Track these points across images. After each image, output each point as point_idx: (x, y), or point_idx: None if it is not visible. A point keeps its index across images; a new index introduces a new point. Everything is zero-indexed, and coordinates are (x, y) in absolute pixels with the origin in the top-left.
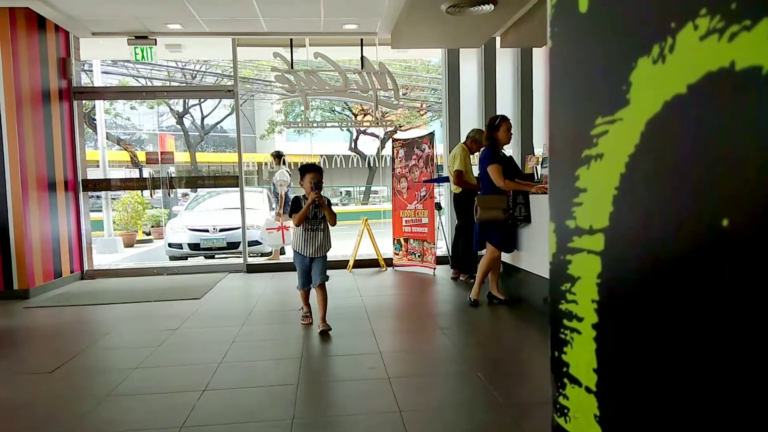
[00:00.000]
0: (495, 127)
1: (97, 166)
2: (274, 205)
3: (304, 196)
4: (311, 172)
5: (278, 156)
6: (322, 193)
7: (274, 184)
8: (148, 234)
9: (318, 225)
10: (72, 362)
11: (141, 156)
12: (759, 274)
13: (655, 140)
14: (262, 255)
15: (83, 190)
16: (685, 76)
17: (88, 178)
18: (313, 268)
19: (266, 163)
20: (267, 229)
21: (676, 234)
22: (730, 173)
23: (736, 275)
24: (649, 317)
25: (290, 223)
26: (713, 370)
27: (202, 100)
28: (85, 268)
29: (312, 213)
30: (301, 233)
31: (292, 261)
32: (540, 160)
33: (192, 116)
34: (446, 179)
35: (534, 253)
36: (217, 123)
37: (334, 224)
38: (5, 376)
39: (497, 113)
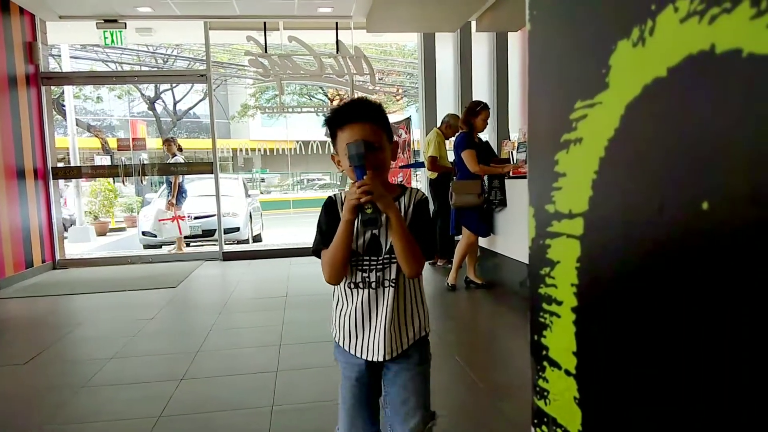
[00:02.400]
0: (475, 113)
1: (100, 153)
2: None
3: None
4: (349, 124)
5: (169, 141)
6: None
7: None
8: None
9: (379, 271)
10: (45, 353)
11: (112, 143)
12: (738, 256)
13: (635, 124)
14: (226, 240)
15: (53, 178)
16: (665, 60)
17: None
18: (390, 394)
19: (241, 149)
20: (160, 220)
21: (655, 218)
22: (710, 157)
23: (716, 258)
24: (629, 300)
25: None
26: (693, 353)
27: (174, 84)
28: (57, 257)
29: (365, 238)
30: (344, 298)
31: (269, 248)
32: (516, 145)
33: (164, 102)
34: (422, 164)
35: (510, 237)
36: (190, 108)
37: (413, 270)
38: None
39: (473, 98)
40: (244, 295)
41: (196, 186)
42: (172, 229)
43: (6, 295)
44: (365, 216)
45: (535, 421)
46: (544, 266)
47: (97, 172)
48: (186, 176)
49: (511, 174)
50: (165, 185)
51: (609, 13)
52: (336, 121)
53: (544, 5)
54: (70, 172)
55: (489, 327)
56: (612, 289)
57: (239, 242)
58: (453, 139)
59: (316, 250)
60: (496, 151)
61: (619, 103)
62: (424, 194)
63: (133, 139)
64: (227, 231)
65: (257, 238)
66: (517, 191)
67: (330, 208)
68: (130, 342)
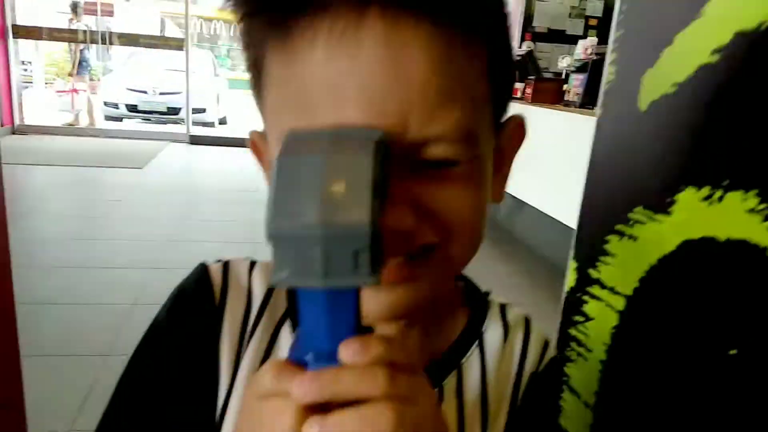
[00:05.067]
0: None
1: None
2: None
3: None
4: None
5: (74, 7)
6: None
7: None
8: None
9: None
10: (9, 229)
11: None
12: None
13: (686, 257)
14: None
15: (13, 37)
16: (712, 229)
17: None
18: None
19: (206, 19)
20: (57, 91)
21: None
22: (744, 305)
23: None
24: (663, 375)
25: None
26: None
27: None
28: (16, 122)
29: None
30: None
31: (238, 135)
32: None
33: None
34: None
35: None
36: None
37: None
38: None
39: None
40: (216, 185)
41: (163, 57)
42: (65, 103)
43: None
44: None
45: None
46: (579, 315)
47: (59, 35)
48: (152, 48)
49: None
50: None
51: (673, 161)
52: None
53: (620, 117)
54: (31, 33)
55: None
56: (649, 364)
57: (204, 124)
58: None
59: None
60: None
61: (677, 235)
62: (554, 353)
63: (101, 2)
64: (193, 111)
65: (223, 121)
66: None
67: (177, 327)
68: (97, 223)
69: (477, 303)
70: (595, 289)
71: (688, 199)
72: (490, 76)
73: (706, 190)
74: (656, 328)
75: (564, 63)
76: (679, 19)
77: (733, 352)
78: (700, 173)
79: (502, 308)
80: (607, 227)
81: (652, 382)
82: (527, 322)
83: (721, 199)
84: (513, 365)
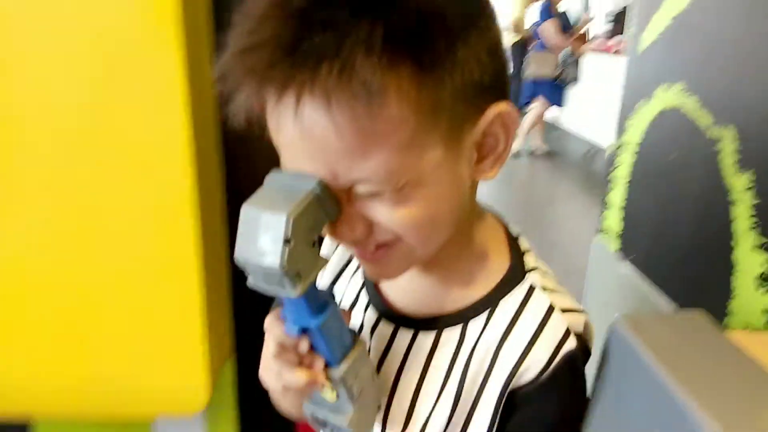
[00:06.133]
0: None
1: None
2: None
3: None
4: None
5: None
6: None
7: None
8: None
9: None
10: None
11: None
12: None
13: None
14: None
15: None
16: None
17: None
18: None
19: None
20: None
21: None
22: None
23: None
24: (654, 192)
25: None
26: None
27: None
28: None
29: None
30: None
31: None
32: (589, 19)
33: None
34: None
35: (577, 114)
36: None
37: None
38: None
39: None
40: None
41: None
42: None
43: None
44: (321, 414)
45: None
46: (617, 161)
47: None
48: None
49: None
50: None
51: (652, 74)
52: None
53: None
54: None
55: (547, 191)
56: (648, 180)
57: None
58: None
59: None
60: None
61: (655, 108)
62: (571, 348)
63: None
64: None
65: None
66: (589, 68)
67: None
68: None
69: (514, 277)
70: (623, 144)
71: (659, 91)
72: (423, 114)
73: (666, 86)
74: (651, 159)
75: None
76: None
77: (672, 156)
78: (663, 78)
79: (530, 290)
80: (628, 113)
81: (649, 190)
82: (548, 314)
83: (670, 88)
84: (512, 347)
